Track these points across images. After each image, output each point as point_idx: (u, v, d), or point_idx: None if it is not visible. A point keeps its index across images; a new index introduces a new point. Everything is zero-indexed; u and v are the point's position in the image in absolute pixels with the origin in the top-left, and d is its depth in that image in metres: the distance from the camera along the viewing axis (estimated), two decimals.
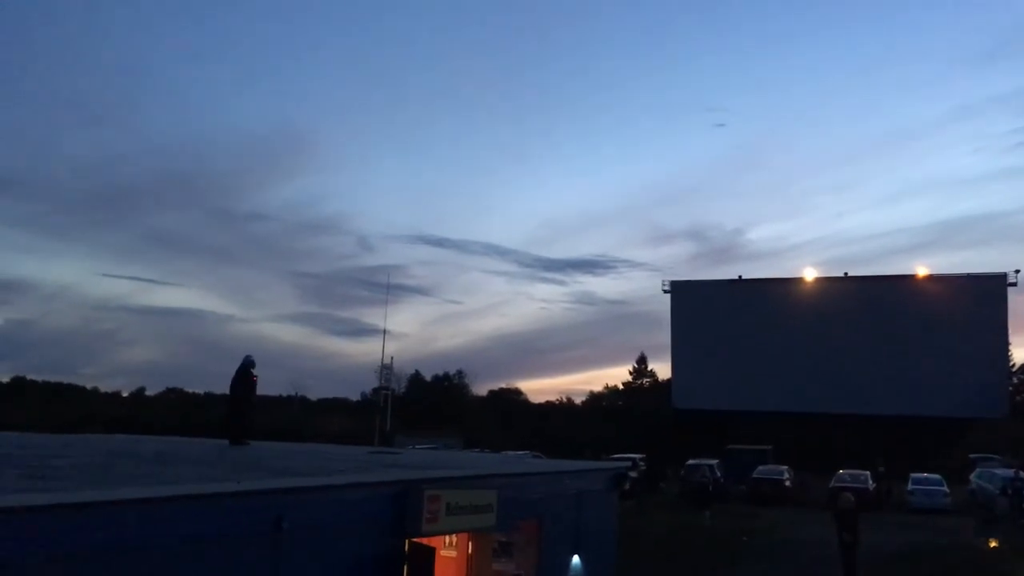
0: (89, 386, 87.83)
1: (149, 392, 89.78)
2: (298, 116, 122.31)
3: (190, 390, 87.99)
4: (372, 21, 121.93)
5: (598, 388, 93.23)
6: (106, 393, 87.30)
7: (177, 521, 7.41)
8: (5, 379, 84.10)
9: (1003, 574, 22.05)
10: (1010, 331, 64.30)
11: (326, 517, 9.18)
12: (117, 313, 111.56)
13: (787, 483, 42.25)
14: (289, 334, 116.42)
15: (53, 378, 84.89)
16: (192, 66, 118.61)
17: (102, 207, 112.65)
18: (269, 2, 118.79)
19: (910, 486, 40.28)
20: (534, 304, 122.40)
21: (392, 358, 45.07)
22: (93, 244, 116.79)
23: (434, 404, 79.71)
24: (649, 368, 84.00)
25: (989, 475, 38.69)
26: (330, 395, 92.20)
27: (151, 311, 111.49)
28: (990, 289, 62.49)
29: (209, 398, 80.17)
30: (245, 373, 15.54)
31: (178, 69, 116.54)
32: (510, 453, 41.62)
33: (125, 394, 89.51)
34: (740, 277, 72.07)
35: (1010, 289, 62.40)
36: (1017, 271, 62.47)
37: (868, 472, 41.40)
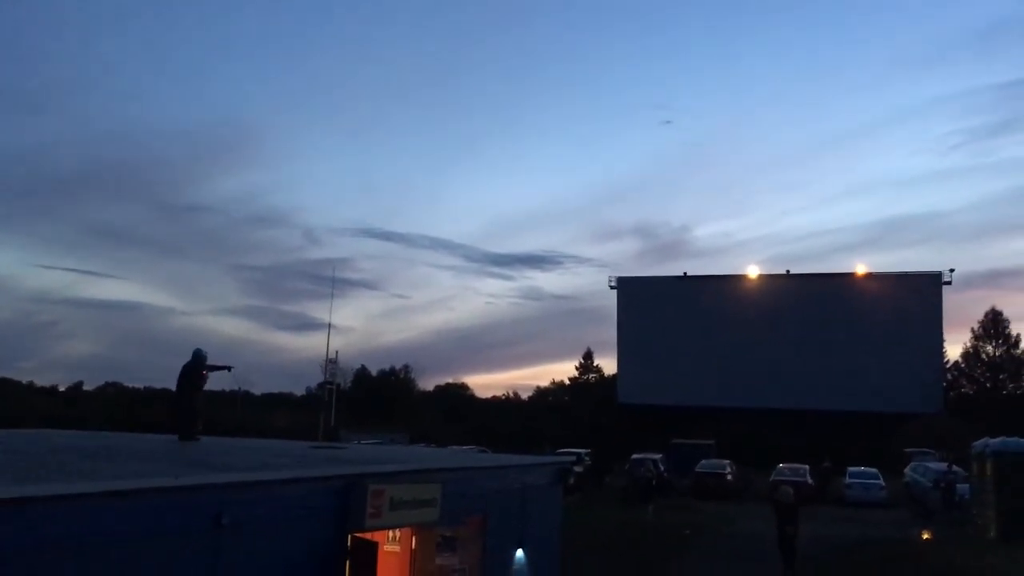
0: (25, 380, 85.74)
1: (87, 387, 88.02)
2: (244, 107, 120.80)
3: (130, 385, 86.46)
4: (320, 14, 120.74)
5: (545, 383, 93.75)
6: (42, 387, 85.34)
7: (115, 517, 7.25)
8: None
9: (934, 565, 22.61)
10: (944, 328, 66.17)
11: (267, 512, 9.02)
12: (54, 305, 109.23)
13: (729, 477, 42.84)
14: (232, 328, 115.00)
15: None
16: (135, 54, 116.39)
17: (39, 197, 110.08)
18: None
19: (847, 479, 41.12)
20: (481, 299, 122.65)
21: (337, 352, 44.70)
22: (29, 234, 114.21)
23: (380, 399, 79.25)
24: (595, 363, 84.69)
25: (923, 469, 39.62)
26: (275, 390, 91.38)
27: (90, 304, 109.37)
28: (926, 287, 64.14)
29: (150, 393, 78.84)
30: (196, 367, 15.16)
31: (120, 57, 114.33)
32: (456, 448, 41.61)
33: (62, 388, 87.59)
34: (685, 274, 72.88)
35: (945, 288, 64.18)
36: (952, 270, 64.34)
37: (807, 466, 42.19)
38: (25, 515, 6.52)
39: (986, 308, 73.58)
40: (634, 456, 44.81)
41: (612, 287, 73.32)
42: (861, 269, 67.49)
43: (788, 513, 22.09)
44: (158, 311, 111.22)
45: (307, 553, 9.65)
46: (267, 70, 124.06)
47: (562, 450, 44.44)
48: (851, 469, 42.34)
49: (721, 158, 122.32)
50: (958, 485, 33.72)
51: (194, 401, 15.23)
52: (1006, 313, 72.08)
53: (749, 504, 36.70)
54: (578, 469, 37.01)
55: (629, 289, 72.58)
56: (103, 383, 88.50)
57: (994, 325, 72.12)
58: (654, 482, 37.99)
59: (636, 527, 28.87)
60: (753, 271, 70.01)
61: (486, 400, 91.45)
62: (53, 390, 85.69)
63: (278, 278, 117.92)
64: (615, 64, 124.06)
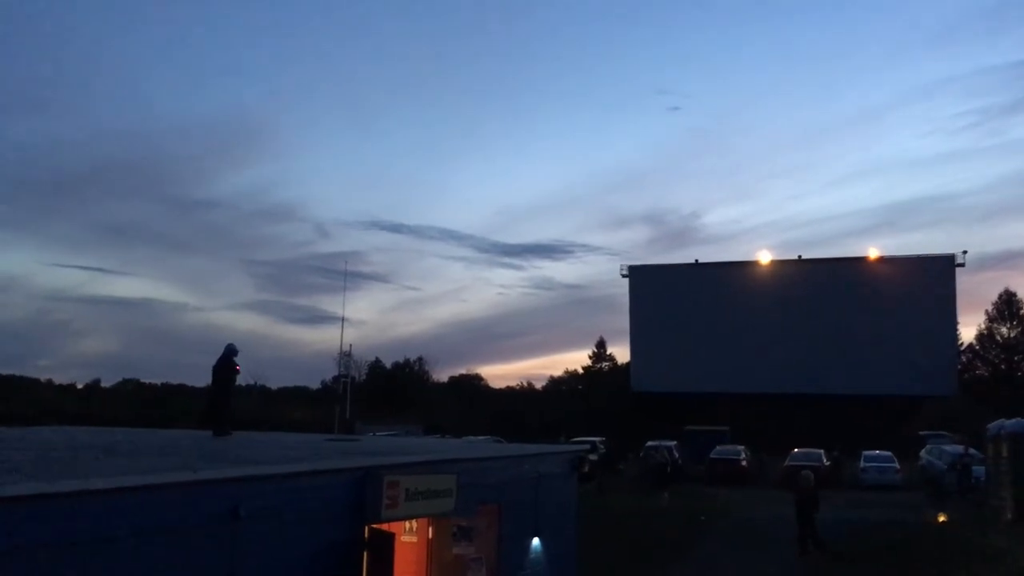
0: (43, 378, 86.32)
1: (105, 384, 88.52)
2: (252, 102, 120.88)
3: (147, 381, 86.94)
4: (326, 7, 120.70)
5: (558, 373, 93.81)
6: (61, 385, 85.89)
7: (134, 511, 7.37)
8: None
9: (951, 547, 22.60)
10: (958, 311, 65.84)
11: (284, 505, 9.12)
12: (69, 304, 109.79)
13: (744, 463, 42.85)
14: (246, 323, 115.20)
15: (5, 371, 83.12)
16: (143, 50, 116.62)
17: (50, 195, 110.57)
18: None
19: (862, 463, 41.04)
20: (492, 289, 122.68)
21: (351, 345, 45.03)
22: (42, 234, 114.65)
23: (395, 391, 79.47)
24: (608, 352, 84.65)
25: (939, 451, 39.50)
26: (290, 384, 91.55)
27: (104, 301, 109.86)
28: (939, 270, 63.81)
29: (167, 389, 79.32)
30: (228, 361, 15.31)
31: (128, 53, 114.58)
32: (471, 439, 41.71)
33: (80, 386, 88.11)
34: (697, 261, 72.74)
35: (958, 269, 63.84)
36: (965, 252, 64.02)
37: (822, 451, 42.16)
38: (46, 511, 6.64)
39: (1000, 289, 73.14)
40: (649, 443, 44.87)
41: (624, 275, 73.26)
42: (873, 253, 67.18)
43: (809, 497, 22.29)
44: (171, 307, 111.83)
45: (324, 545, 9.75)
46: (274, 65, 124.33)
47: (577, 439, 44.50)
48: (866, 453, 42.25)
49: (729, 143, 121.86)
50: (974, 467, 33.58)
51: (229, 397, 15.40)
52: (1020, 294, 71.68)
53: (764, 489, 36.70)
54: (593, 457, 37.10)
55: (641, 277, 72.49)
56: (120, 380, 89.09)
57: (1008, 306, 71.66)
58: (669, 469, 38.04)
59: (652, 514, 28.95)
60: (764, 257, 69.82)
61: (500, 390, 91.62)
62: (71, 388, 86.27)
63: (290, 272, 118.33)
64: (620, 51, 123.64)
